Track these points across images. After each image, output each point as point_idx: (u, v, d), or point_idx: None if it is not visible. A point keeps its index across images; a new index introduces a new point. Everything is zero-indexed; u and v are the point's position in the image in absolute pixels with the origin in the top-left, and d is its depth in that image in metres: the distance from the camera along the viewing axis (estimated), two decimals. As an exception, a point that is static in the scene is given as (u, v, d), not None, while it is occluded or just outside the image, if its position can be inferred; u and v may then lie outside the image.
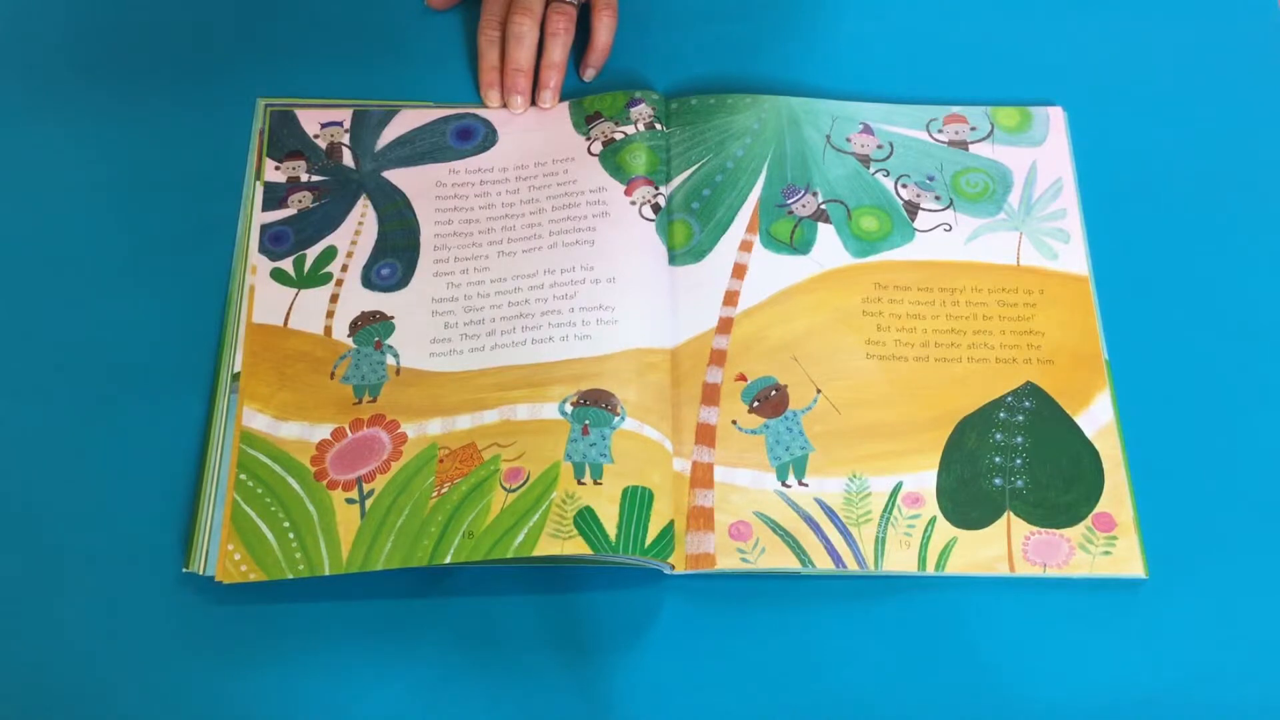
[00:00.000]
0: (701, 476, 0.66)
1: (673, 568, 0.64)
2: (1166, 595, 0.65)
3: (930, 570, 0.64)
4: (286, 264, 0.72)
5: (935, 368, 0.70)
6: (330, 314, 0.71)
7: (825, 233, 0.74)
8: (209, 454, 0.67)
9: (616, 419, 0.66)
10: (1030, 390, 0.69)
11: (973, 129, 0.78)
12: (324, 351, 0.70)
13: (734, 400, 0.68)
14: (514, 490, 0.64)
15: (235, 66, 0.79)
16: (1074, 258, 0.73)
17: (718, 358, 0.69)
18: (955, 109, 0.78)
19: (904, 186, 0.76)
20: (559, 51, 0.78)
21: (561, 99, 0.79)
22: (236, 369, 0.69)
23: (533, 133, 0.78)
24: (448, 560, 0.62)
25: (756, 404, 0.68)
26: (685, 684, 0.62)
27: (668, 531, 0.64)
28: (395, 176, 0.76)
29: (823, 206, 0.75)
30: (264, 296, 0.71)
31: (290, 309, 0.71)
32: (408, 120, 0.78)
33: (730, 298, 0.71)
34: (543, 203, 0.74)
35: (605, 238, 0.72)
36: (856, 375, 0.69)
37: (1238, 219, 0.76)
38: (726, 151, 0.76)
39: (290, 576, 0.63)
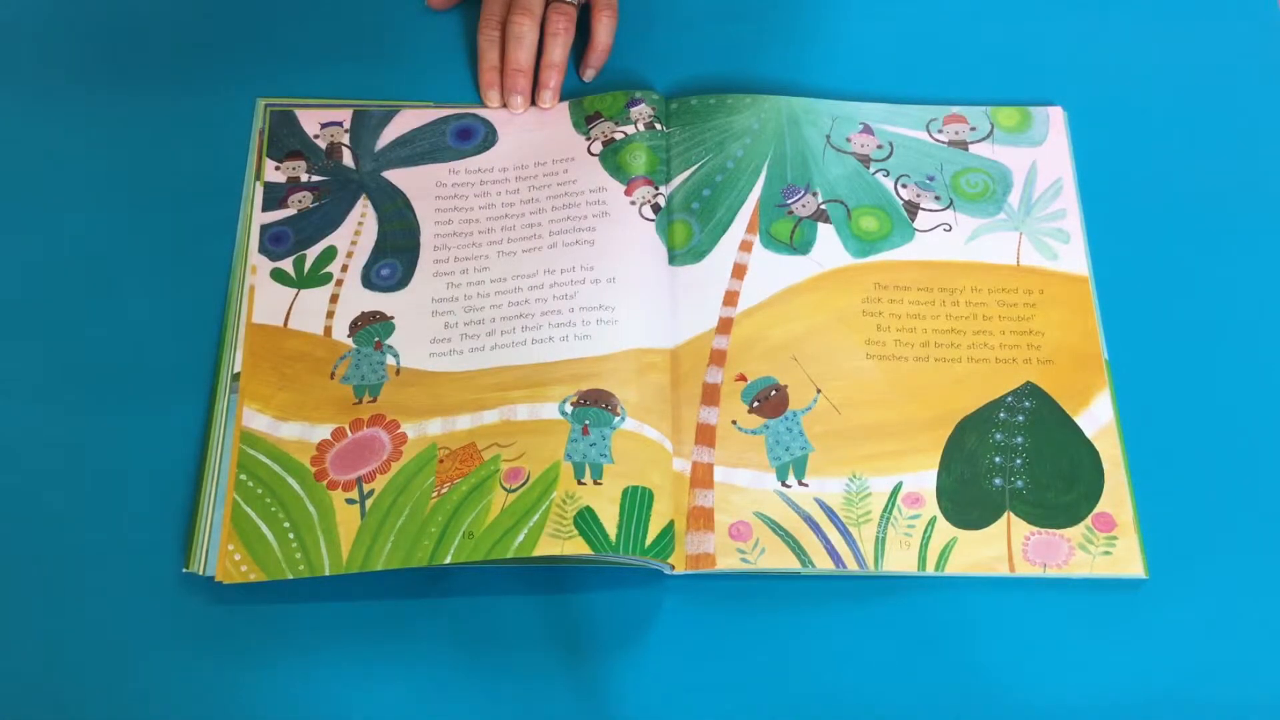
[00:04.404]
0: (701, 477, 0.66)
1: (673, 568, 0.64)
2: (1166, 595, 0.65)
3: (930, 570, 0.64)
4: (286, 264, 0.72)
5: (935, 368, 0.70)
6: (330, 314, 0.71)
7: (825, 233, 0.74)
8: (209, 454, 0.67)
9: (616, 419, 0.66)
10: (1030, 390, 0.69)
11: (973, 129, 0.78)
12: (324, 352, 0.70)
13: (734, 400, 0.68)
14: (514, 490, 0.64)
15: (235, 66, 0.79)
16: (1074, 258, 0.73)
17: (718, 358, 0.69)
18: (955, 109, 0.78)
19: (904, 186, 0.76)
20: (559, 51, 0.78)
21: (561, 99, 0.79)
22: (236, 369, 0.69)
23: (533, 133, 0.78)
24: (448, 560, 0.62)
25: (756, 404, 0.68)
26: (685, 684, 0.62)
27: (668, 532, 0.64)
28: (395, 176, 0.76)
29: (823, 206, 0.75)
30: (264, 297, 0.71)
31: (290, 309, 0.71)
32: (408, 120, 0.78)
33: (730, 298, 0.71)
34: (543, 203, 0.74)
35: (605, 238, 0.72)
36: (856, 375, 0.69)
37: (1238, 219, 0.76)
38: (726, 152, 0.76)
39: (290, 577, 0.63)
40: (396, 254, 0.73)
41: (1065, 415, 0.68)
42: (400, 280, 0.72)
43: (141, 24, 0.81)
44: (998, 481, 0.67)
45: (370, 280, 0.72)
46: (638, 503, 0.64)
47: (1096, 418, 0.68)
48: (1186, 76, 0.81)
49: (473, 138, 0.78)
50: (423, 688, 0.62)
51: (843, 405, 0.68)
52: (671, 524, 0.64)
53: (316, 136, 0.77)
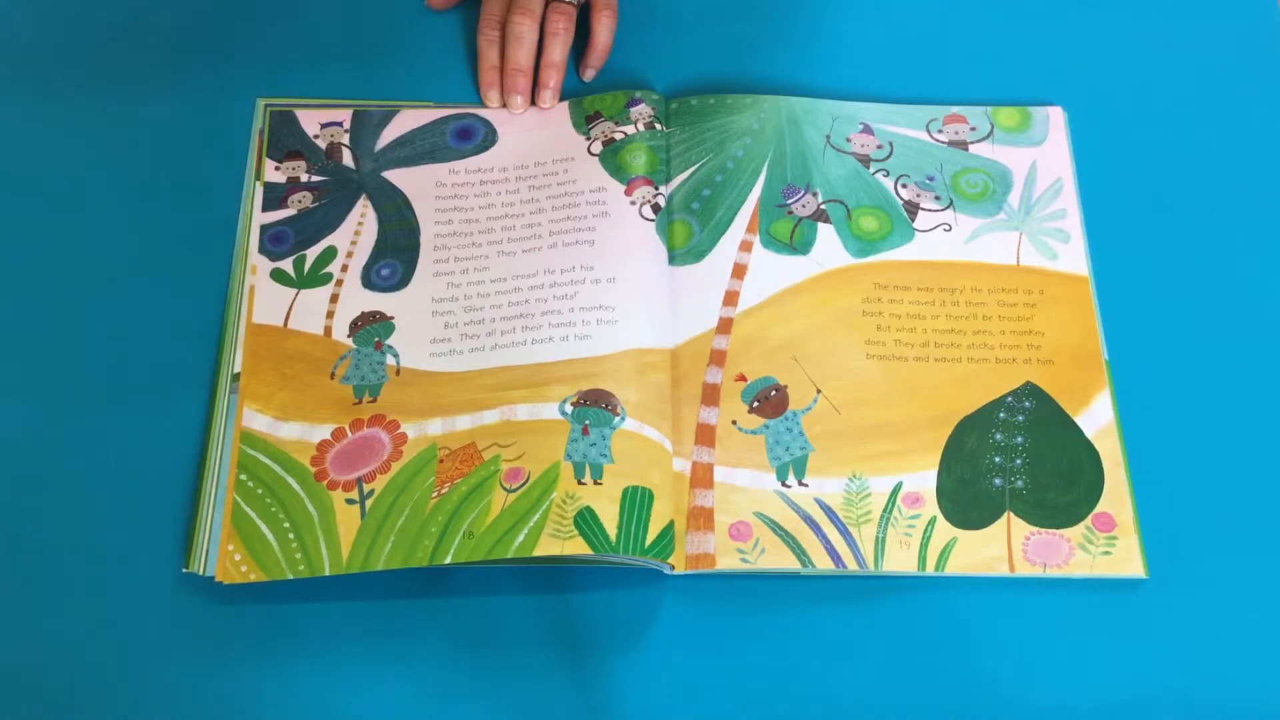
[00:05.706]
0: (701, 477, 0.66)
1: (673, 568, 0.64)
2: (1166, 595, 0.65)
3: (930, 570, 0.64)
4: (286, 264, 0.72)
5: (935, 368, 0.70)
6: (330, 314, 0.71)
7: (825, 233, 0.74)
8: (209, 454, 0.67)
9: (616, 419, 0.66)
10: (1030, 390, 0.69)
11: (973, 129, 0.78)
12: (324, 352, 0.70)
13: (734, 400, 0.68)
14: (514, 490, 0.64)
15: (235, 66, 0.80)
16: (1074, 258, 0.73)
17: (718, 358, 0.69)
18: (955, 109, 0.78)
19: (904, 186, 0.76)
20: (558, 51, 0.78)
21: (561, 99, 0.79)
22: (236, 369, 0.69)
23: (533, 133, 0.78)
24: (448, 560, 0.62)
25: (756, 404, 0.68)
26: (685, 684, 0.62)
27: (668, 532, 0.64)
28: (395, 176, 0.76)
29: (823, 206, 0.75)
30: (264, 297, 0.71)
31: (290, 309, 0.71)
32: (407, 120, 0.78)
33: (730, 298, 0.71)
34: (543, 203, 0.74)
35: (605, 238, 0.72)
36: (856, 375, 0.69)
37: (1237, 219, 0.76)
38: (726, 152, 0.76)
39: (290, 577, 0.63)
40: (396, 254, 0.73)
41: (1065, 415, 0.68)
42: (400, 280, 0.72)
43: (141, 24, 0.81)
44: (998, 481, 0.67)
45: (370, 280, 0.72)
46: (638, 503, 0.64)
47: (1096, 418, 0.68)
48: (1186, 76, 0.81)
49: (473, 138, 0.78)
50: (423, 688, 0.62)
51: (843, 405, 0.68)
52: (671, 524, 0.64)
53: (316, 136, 0.77)
